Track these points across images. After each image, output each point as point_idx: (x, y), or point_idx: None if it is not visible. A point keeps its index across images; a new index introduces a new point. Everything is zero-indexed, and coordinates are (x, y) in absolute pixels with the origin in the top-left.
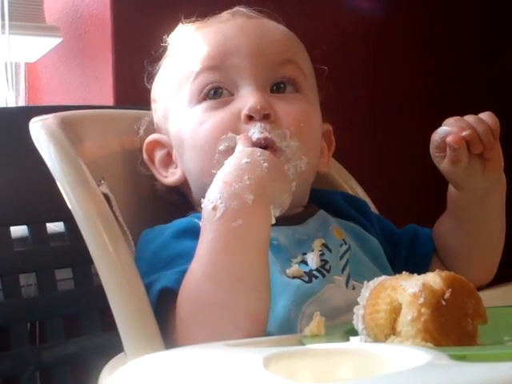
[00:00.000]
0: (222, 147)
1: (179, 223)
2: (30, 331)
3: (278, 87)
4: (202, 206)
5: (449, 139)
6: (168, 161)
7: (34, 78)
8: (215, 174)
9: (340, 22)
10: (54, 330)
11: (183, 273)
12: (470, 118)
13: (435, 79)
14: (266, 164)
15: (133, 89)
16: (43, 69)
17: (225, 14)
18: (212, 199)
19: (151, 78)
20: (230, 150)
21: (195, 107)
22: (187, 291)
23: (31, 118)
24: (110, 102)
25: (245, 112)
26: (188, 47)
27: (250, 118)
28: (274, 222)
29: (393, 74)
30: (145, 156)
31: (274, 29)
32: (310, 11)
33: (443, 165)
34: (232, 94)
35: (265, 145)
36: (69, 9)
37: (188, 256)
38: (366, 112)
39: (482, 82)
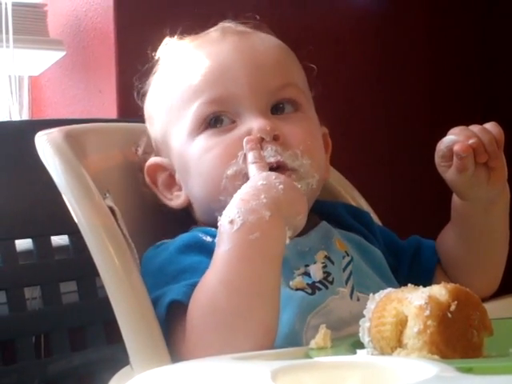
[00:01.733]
0: (230, 171)
1: (183, 238)
2: (35, 344)
3: (276, 108)
4: (219, 223)
5: (456, 148)
6: (171, 182)
7: (38, 91)
8: (222, 200)
9: (340, 28)
10: (59, 343)
11: (191, 286)
12: (475, 128)
13: (438, 90)
14: (281, 186)
15: (136, 102)
16: (47, 82)
17: (214, 33)
18: (229, 214)
19: (141, 93)
20: (237, 175)
21: (198, 136)
22: (201, 298)
23: (35, 131)
24: (114, 114)
25: (255, 133)
26: (183, 71)
27: (261, 139)
28: (288, 242)
29: (396, 84)
30: (147, 179)
31: (268, 48)
32: (309, 15)
33: (448, 174)
34: (233, 121)
35: (276, 167)
36: (72, 22)
37: (193, 270)
38: (370, 124)
39: (483, 89)
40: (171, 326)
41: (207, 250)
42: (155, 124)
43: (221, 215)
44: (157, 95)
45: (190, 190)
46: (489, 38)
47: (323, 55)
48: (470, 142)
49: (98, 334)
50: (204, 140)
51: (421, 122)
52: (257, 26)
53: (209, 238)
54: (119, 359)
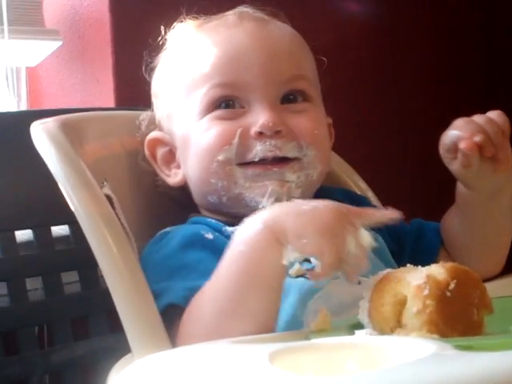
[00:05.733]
0: (220, 157)
1: (185, 232)
2: (38, 335)
3: (288, 99)
4: None
5: (462, 146)
6: (170, 158)
7: (35, 82)
8: (213, 183)
9: (341, 21)
10: (62, 333)
11: (191, 290)
12: (480, 119)
13: (438, 73)
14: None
15: (133, 91)
16: (44, 73)
17: (231, 16)
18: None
19: (150, 68)
20: (228, 162)
21: (205, 117)
22: (192, 309)
23: (33, 122)
24: (111, 104)
25: (256, 129)
26: (196, 50)
27: (260, 133)
28: (285, 263)
29: (396, 67)
30: (147, 153)
31: (283, 38)
32: (314, 9)
33: (454, 166)
34: (243, 107)
35: (273, 160)
36: (68, 12)
37: (192, 269)
38: (370, 106)
39: (483, 75)
40: (167, 327)
41: (208, 247)
42: (161, 100)
43: (213, 199)
44: (166, 72)
45: (187, 169)
46: (490, 22)
47: (328, 47)
48: (476, 139)
49: (100, 323)
50: (208, 120)
51: (420, 105)
52: (274, 13)
53: (210, 235)
54: (123, 348)
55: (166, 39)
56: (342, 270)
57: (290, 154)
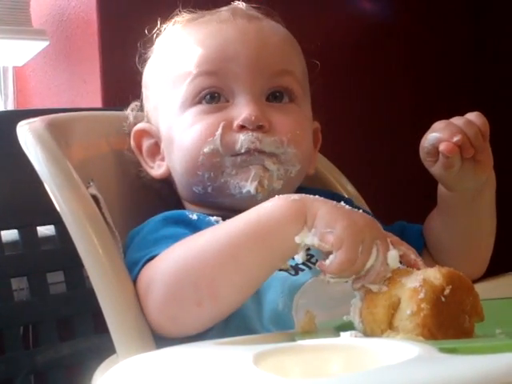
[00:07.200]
0: (206, 149)
1: (170, 212)
2: (23, 335)
3: (274, 96)
4: None
5: (442, 148)
6: (155, 150)
7: (23, 81)
8: (200, 174)
9: (331, 24)
10: (47, 334)
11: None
12: (459, 121)
13: (424, 77)
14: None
15: (120, 91)
16: (31, 72)
17: (224, 12)
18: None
19: (142, 58)
20: (214, 153)
21: (189, 109)
22: (176, 247)
23: (19, 121)
24: (99, 104)
25: (238, 122)
26: (186, 42)
27: (242, 127)
28: (298, 241)
29: (383, 70)
30: (132, 144)
31: (274, 34)
32: (304, 12)
33: (434, 168)
34: (227, 101)
35: (256, 152)
36: (55, 12)
37: (176, 238)
38: (357, 109)
39: (471, 77)
40: (143, 281)
41: (192, 226)
42: (150, 91)
43: (197, 190)
44: (157, 63)
45: (172, 161)
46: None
47: (319, 52)
48: (455, 139)
49: (86, 323)
50: (193, 114)
51: (409, 107)
52: (268, 12)
53: (194, 216)
54: (108, 348)
55: (159, 31)
56: (349, 274)
57: (267, 149)
